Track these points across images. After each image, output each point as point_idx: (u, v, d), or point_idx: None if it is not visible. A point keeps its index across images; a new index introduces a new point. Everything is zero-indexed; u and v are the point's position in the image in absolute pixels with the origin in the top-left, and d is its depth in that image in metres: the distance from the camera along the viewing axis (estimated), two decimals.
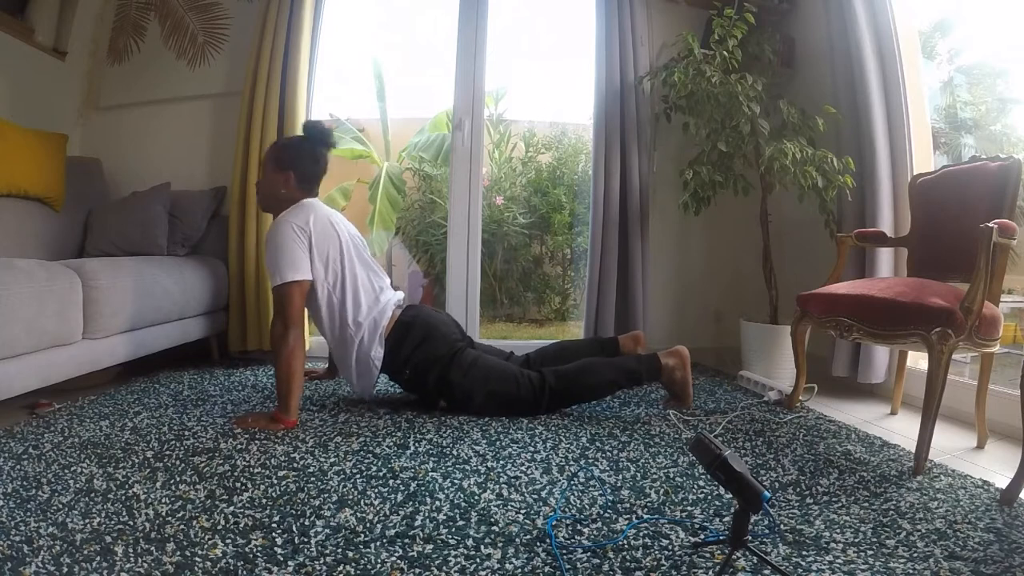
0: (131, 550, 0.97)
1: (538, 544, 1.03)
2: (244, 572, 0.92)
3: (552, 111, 4.03)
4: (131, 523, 1.07)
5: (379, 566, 0.94)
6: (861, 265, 2.26)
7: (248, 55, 2.57)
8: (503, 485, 1.29)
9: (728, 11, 2.40)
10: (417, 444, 1.54)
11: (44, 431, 1.56)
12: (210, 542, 1.00)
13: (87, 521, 1.07)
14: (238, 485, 1.25)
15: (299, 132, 2.53)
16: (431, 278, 3.88)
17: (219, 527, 1.06)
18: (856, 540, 1.06)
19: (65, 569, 0.91)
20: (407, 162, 3.98)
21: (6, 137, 2.13)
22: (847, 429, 1.76)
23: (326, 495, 1.21)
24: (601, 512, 1.17)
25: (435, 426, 1.70)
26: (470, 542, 1.03)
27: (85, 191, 2.51)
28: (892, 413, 2.04)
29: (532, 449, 1.52)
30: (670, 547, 1.03)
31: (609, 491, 1.27)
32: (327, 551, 0.99)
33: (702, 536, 1.08)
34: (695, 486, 1.30)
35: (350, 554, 0.98)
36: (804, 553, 1.01)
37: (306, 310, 1.83)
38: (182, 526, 1.06)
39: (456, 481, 1.30)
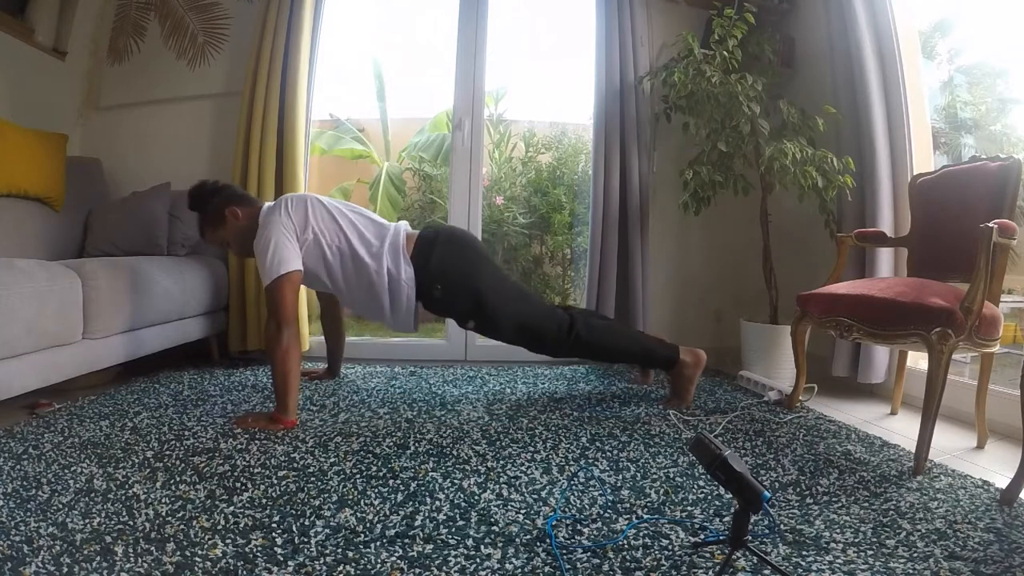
0: (131, 550, 0.97)
1: (538, 544, 1.03)
2: (244, 572, 0.92)
3: (552, 111, 4.03)
4: (131, 523, 1.07)
5: (379, 566, 0.94)
6: (861, 265, 2.26)
7: (248, 55, 2.57)
8: (503, 485, 1.29)
9: (728, 11, 2.40)
10: (417, 444, 1.54)
11: (44, 431, 1.56)
12: (210, 542, 1.00)
13: (87, 521, 1.07)
14: (238, 485, 1.25)
15: (299, 132, 2.55)
16: None
17: (219, 527, 1.06)
18: (856, 540, 1.06)
19: (65, 569, 0.91)
20: (407, 162, 3.98)
21: (6, 137, 2.13)
22: (847, 429, 1.76)
23: (326, 495, 1.21)
24: (601, 512, 1.17)
25: (435, 426, 1.70)
26: (470, 542, 1.03)
27: (85, 191, 2.51)
28: (892, 413, 2.04)
29: (532, 449, 1.52)
30: (670, 547, 1.03)
31: (609, 491, 1.27)
32: (327, 551, 0.99)
33: (702, 536, 1.08)
34: (695, 486, 1.30)
35: (350, 554, 0.98)
36: (804, 553, 1.01)
37: (320, 294, 1.82)
38: (182, 526, 1.06)
39: (456, 481, 1.30)
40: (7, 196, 2.16)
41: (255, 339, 2.53)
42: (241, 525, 1.07)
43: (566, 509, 1.18)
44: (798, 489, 1.29)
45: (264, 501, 1.18)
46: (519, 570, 0.95)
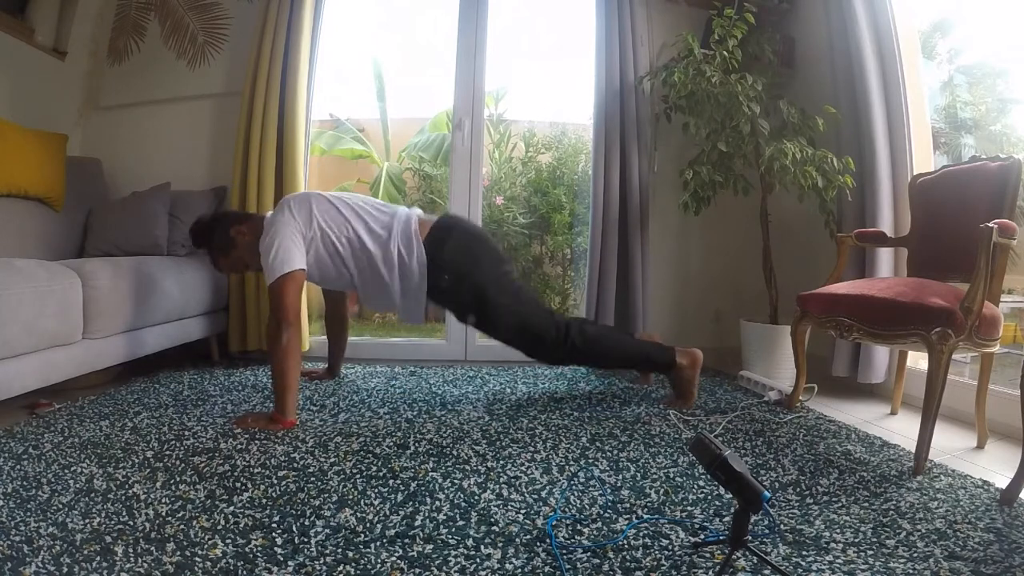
0: (131, 550, 0.97)
1: (538, 544, 1.03)
2: (244, 572, 0.92)
3: (552, 111, 4.02)
4: (131, 523, 1.07)
5: (379, 566, 0.94)
6: (861, 265, 2.26)
7: (248, 55, 2.57)
8: (503, 485, 1.29)
9: (728, 11, 2.40)
10: (417, 444, 1.54)
11: (44, 431, 1.56)
12: (210, 542, 1.00)
13: (87, 521, 1.07)
14: (238, 485, 1.25)
15: (299, 132, 2.55)
16: None
17: (219, 527, 1.06)
18: (856, 540, 1.06)
19: (65, 569, 0.91)
20: (407, 162, 3.98)
21: (6, 137, 2.13)
22: (847, 429, 1.76)
23: (326, 495, 1.21)
24: (601, 512, 1.17)
25: (435, 426, 1.70)
26: (470, 542, 1.03)
27: (85, 191, 2.51)
28: (892, 413, 2.04)
29: (532, 449, 1.52)
30: (670, 547, 1.03)
31: (609, 491, 1.27)
32: (327, 551, 0.99)
33: (702, 536, 1.08)
34: (695, 486, 1.30)
35: (350, 554, 0.98)
36: (804, 553, 1.01)
37: (328, 292, 1.85)
38: (182, 526, 1.06)
39: (456, 481, 1.30)
40: (7, 196, 2.16)
41: (255, 339, 2.53)
42: (241, 525, 1.07)
43: (566, 509, 1.18)
44: (798, 489, 1.29)
45: (264, 501, 1.18)
46: (519, 570, 0.95)
